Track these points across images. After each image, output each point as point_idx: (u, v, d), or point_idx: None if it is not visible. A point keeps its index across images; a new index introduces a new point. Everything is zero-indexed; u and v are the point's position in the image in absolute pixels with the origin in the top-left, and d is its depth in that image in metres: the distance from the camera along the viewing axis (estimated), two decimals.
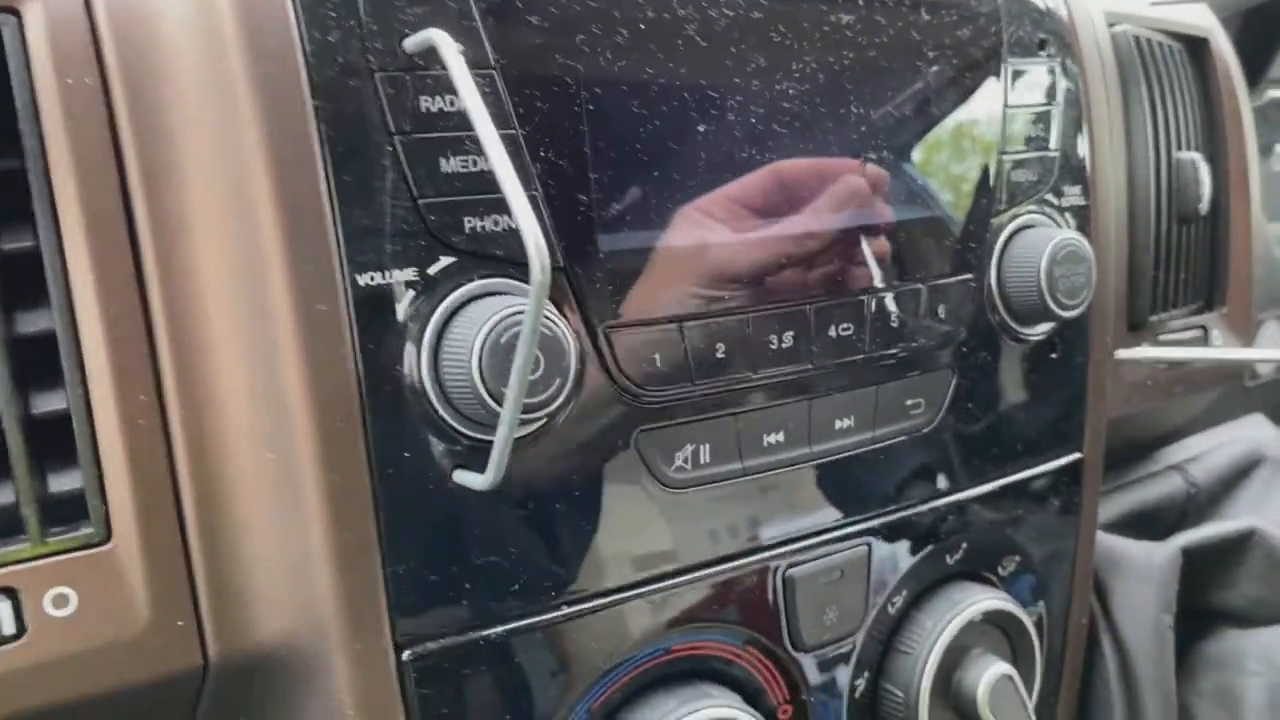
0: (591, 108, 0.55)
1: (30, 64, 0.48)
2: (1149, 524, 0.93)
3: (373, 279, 0.51)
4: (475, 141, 0.52)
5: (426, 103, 0.51)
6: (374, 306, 0.51)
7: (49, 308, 0.49)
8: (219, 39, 0.49)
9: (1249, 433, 1.05)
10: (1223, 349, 0.95)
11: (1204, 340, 0.93)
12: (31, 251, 0.49)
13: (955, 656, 0.72)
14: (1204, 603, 0.89)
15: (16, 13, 0.48)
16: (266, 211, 0.49)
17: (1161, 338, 0.90)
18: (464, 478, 0.53)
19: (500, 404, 0.49)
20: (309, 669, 0.53)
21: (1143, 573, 0.86)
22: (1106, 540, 0.87)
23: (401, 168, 0.51)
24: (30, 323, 0.50)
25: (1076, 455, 0.79)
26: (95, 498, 0.50)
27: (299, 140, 0.49)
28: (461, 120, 0.52)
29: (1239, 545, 0.89)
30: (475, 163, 0.52)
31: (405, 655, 0.53)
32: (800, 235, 0.63)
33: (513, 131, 0.53)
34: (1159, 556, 0.86)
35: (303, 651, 0.53)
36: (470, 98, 0.47)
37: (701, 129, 0.59)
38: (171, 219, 0.50)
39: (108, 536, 0.50)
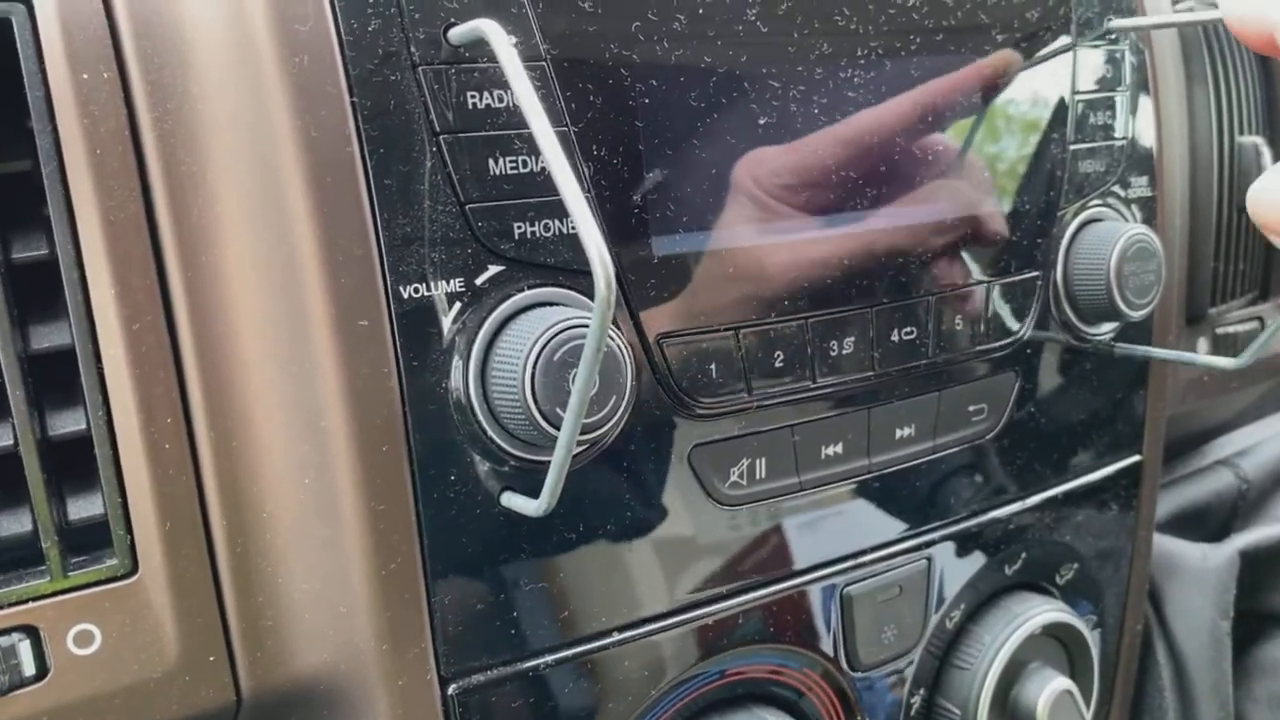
0: (646, 101, 0.51)
1: (43, 57, 0.44)
2: (1200, 522, 0.90)
3: (416, 290, 0.47)
4: (525, 140, 0.48)
5: (473, 98, 0.47)
6: (418, 320, 0.47)
7: (66, 321, 0.45)
8: (247, 28, 0.45)
9: None
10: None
11: (1260, 332, 0.89)
12: (46, 260, 0.45)
13: (1013, 671, 0.69)
14: (1259, 606, 0.86)
15: (27, 1, 0.44)
16: (302, 218, 0.45)
17: (1219, 331, 0.86)
18: (514, 502, 0.49)
19: (553, 425, 0.46)
20: (349, 705, 0.50)
21: (1199, 577, 0.82)
22: (1160, 542, 0.84)
23: (447, 169, 0.47)
24: (46, 337, 0.46)
25: (1136, 458, 0.76)
26: (120, 526, 0.46)
27: (336, 140, 0.45)
28: (511, 117, 0.48)
29: None
30: (525, 163, 0.48)
31: (451, 689, 0.50)
32: (861, 234, 0.59)
33: (564, 128, 0.49)
34: (1216, 559, 0.83)
35: (342, 686, 0.50)
36: (525, 93, 0.43)
37: (762, 121, 0.55)
38: (198, 227, 0.46)
39: (134, 568, 0.46)
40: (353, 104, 0.45)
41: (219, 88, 0.45)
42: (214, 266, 0.46)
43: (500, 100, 0.47)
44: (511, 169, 0.48)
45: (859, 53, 0.57)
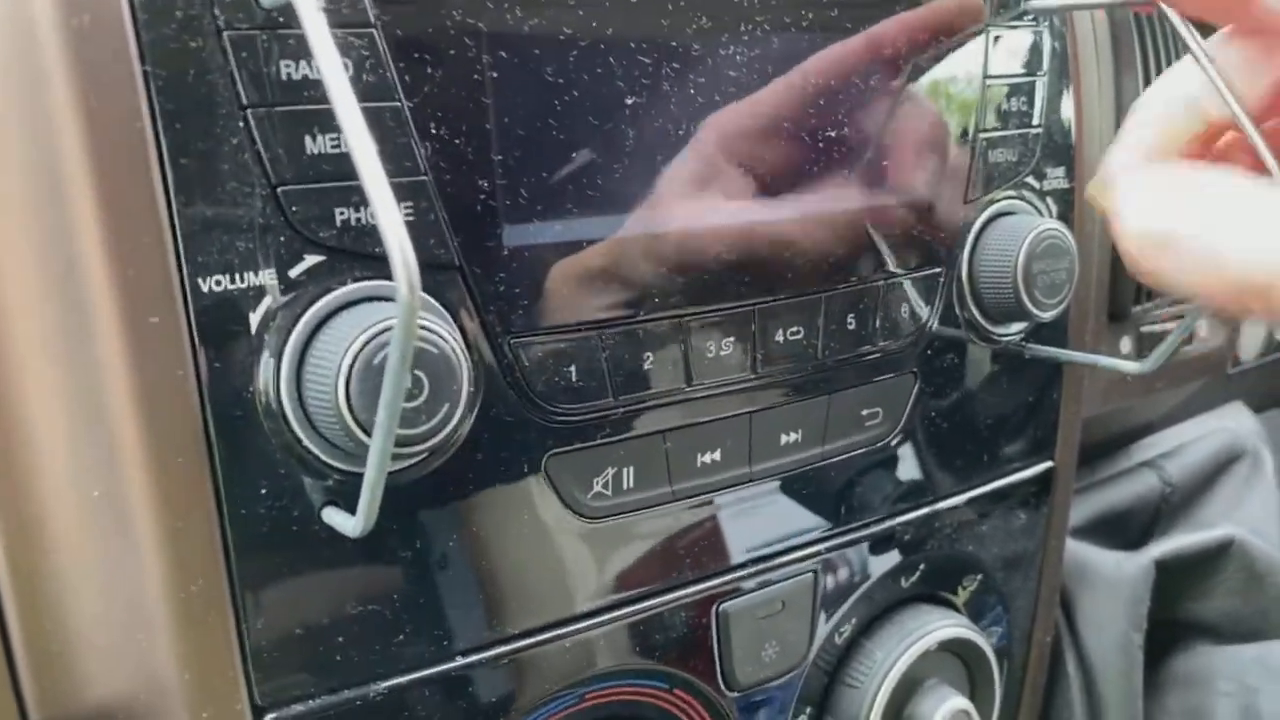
0: (495, 74, 0.46)
1: None
2: (1120, 527, 0.87)
3: (219, 283, 0.42)
4: None
5: (288, 69, 0.42)
6: (221, 317, 0.42)
7: None
8: None
9: (1228, 423, 0.98)
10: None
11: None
12: None
13: (907, 689, 0.65)
14: (1174, 614, 0.83)
15: None
16: (83, 201, 0.39)
17: (1144, 329, 0.83)
18: (333, 518, 0.44)
19: (369, 435, 0.41)
20: None
21: (1112, 586, 0.79)
22: (1073, 549, 0.81)
23: (255, 147, 0.42)
24: None
25: (1048, 464, 0.72)
26: None
27: (123, 113, 0.40)
28: None
29: (1215, 555, 0.83)
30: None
31: None
32: (742, 225, 0.54)
33: (396, 104, 0.44)
34: (1130, 569, 0.79)
35: (142, 717, 0.45)
36: (325, 57, 0.37)
37: (630, 100, 0.50)
38: None
39: None
40: (144, 73, 0.40)
41: None
42: None
43: (317, 71, 0.42)
44: (333, 147, 0.43)
45: (742, 26, 0.52)
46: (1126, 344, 0.83)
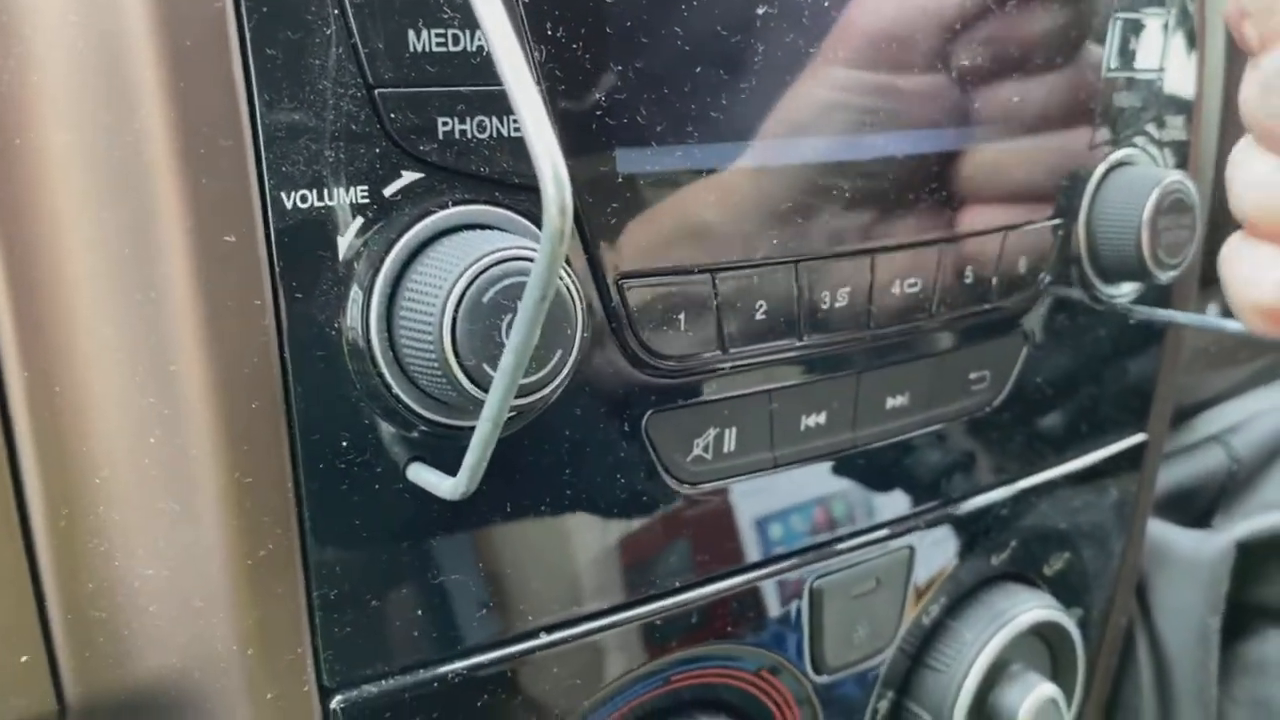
0: None
1: None
2: (1188, 504, 0.83)
3: (304, 199, 0.36)
4: (459, 8, 0.37)
5: None
6: (305, 238, 0.36)
7: None
8: None
9: None
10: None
11: None
12: None
13: (994, 674, 0.60)
14: (1249, 597, 0.79)
15: None
16: (149, 95, 0.33)
17: None
18: (424, 477, 0.39)
19: (479, 385, 0.35)
20: (203, 719, 0.40)
21: (1190, 568, 0.75)
22: (1151, 527, 0.76)
23: (352, 40, 0.35)
24: None
25: (1141, 437, 0.67)
26: None
27: None
28: None
29: None
30: (458, 39, 0.37)
31: (334, 703, 0.40)
32: (864, 161, 0.48)
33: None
34: (1210, 550, 0.75)
35: (194, 697, 0.39)
36: None
37: (761, 11, 0.44)
38: (6, 96, 0.34)
39: None
40: None
41: None
42: (30, 151, 0.34)
43: None
44: (439, 45, 0.37)
45: None
46: (1212, 310, 0.78)
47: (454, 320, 0.35)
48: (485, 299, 0.35)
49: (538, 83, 0.39)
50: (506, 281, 0.35)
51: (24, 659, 0.38)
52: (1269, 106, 0.36)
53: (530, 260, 0.35)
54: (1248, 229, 0.39)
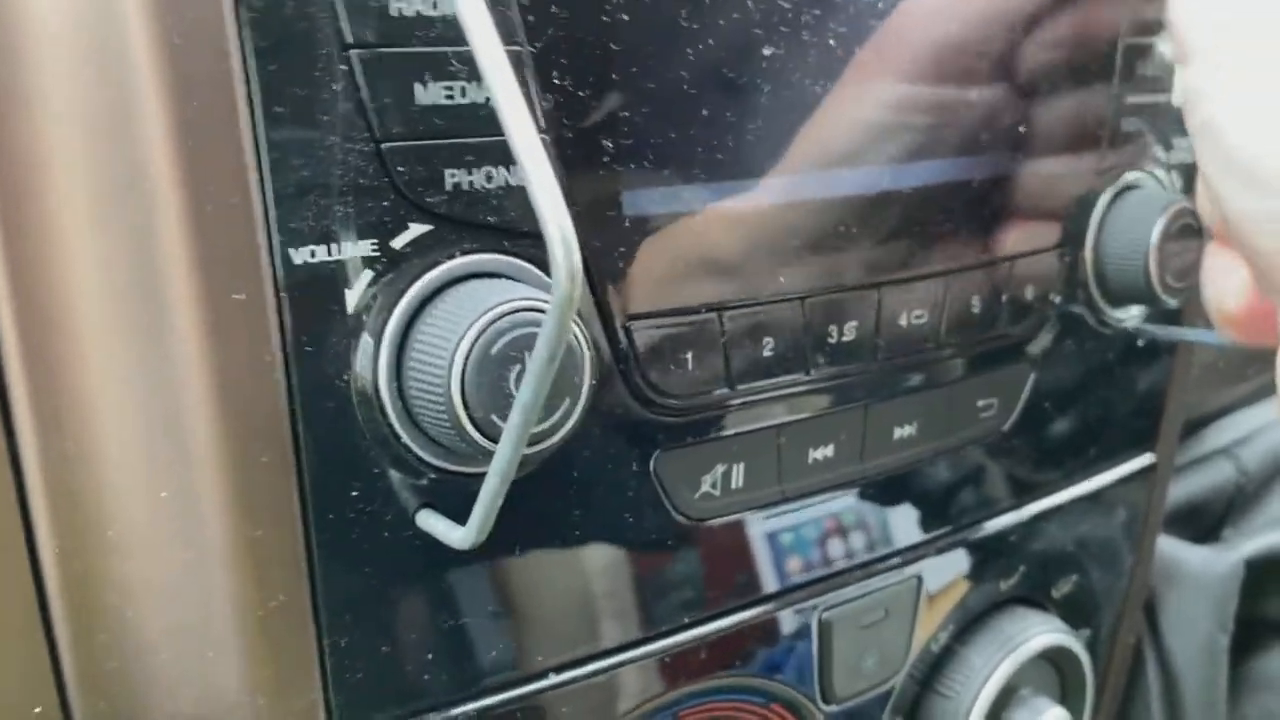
0: (625, 16, 0.40)
1: None
2: (1195, 519, 0.83)
3: (313, 254, 0.36)
4: (464, 61, 0.37)
5: (399, 5, 0.35)
6: (314, 293, 0.36)
7: None
8: None
9: None
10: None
11: None
12: None
13: (1003, 699, 0.60)
14: (1257, 613, 0.79)
15: None
16: (159, 153, 0.33)
17: None
18: (433, 525, 0.39)
19: (487, 436, 0.35)
20: None
21: (1200, 585, 0.75)
22: (1161, 544, 0.76)
23: (359, 95, 0.35)
24: None
25: (1149, 458, 0.67)
26: None
27: (209, 50, 0.33)
28: (447, 30, 0.36)
29: None
30: (464, 91, 0.37)
31: None
32: (867, 195, 0.48)
33: (518, 48, 0.38)
34: (1220, 567, 0.75)
35: None
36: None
37: (767, 52, 0.44)
38: (19, 160, 0.34)
39: None
40: (234, 3, 0.33)
41: None
42: (40, 215, 0.34)
43: (434, 7, 0.36)
44: (445, 98, 0.37)
45: None
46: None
47: (463, 372, 0.35)
48: (494, 351, 0.35)
49: (544, 132, 0.39)
50: (515, 333, 0.35)
51: (38, 710, 0.38)
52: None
53: (538, 310, 0.36)
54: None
